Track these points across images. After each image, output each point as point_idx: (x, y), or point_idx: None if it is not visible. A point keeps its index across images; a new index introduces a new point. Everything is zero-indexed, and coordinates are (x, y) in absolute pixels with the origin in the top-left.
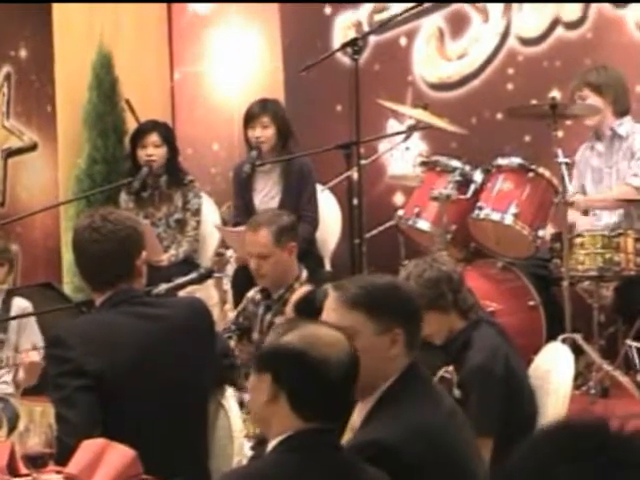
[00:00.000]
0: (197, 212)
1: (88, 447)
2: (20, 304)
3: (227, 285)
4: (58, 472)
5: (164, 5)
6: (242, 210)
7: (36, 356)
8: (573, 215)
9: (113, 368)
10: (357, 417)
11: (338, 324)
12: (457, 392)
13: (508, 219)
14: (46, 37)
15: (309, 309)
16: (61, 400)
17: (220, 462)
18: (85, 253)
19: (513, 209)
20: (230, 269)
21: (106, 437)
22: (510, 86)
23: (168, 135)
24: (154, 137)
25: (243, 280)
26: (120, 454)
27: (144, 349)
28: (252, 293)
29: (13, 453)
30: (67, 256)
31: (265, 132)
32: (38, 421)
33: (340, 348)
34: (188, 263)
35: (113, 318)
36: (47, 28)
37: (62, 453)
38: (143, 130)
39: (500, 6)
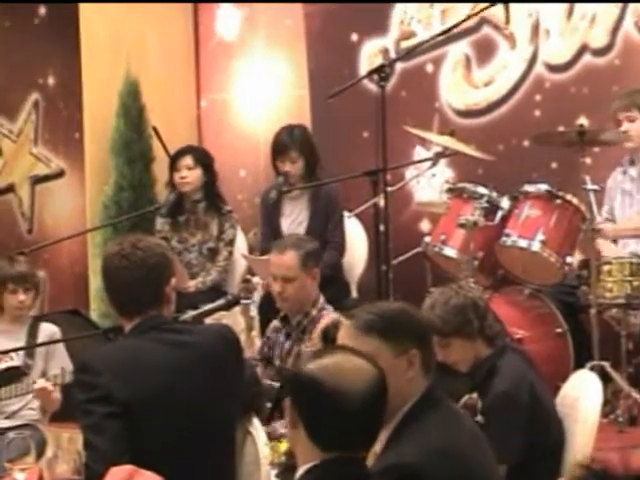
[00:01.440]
0: (231, 243)
1: (116, 474)
2: (47, 330)
3: (254, 312)
4: None
5: (191, 32)
6: (269, 236)
7: (45, 383)
8: (600, 242)
9: (141, 395)
10: (378, 442)
11: None
12: (480, 418)
13: (535, 246)
14: (74, 65)
15: (335, 337)
16: (89, 427)
17: None
18: (114, 280)
19: (540, 236)
20: (257, 296)
21: (133, 464)
22: (537, 113)
23: (203, 158)
24: (187, 160)
25: (270, 307)
26: None
27: (172, 376)
28: (275, 322)
29: (41, 479)
30: (94, 283)
31: (294, 167)
32: (66, 447)
33: (363, 379)
34: (215, 290)
35: (142, 345)
36: (75, 56)
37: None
38: (178, 153)
39: (527, 32)
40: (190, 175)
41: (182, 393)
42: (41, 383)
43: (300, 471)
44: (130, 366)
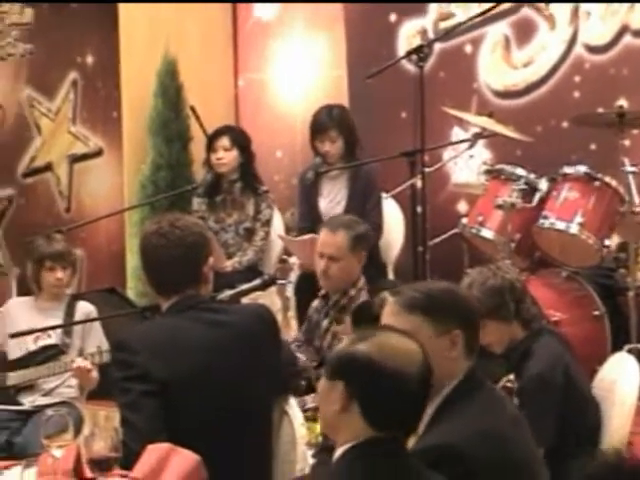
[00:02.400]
0: (267, 223)
1: (153, 452)
2: (84, 308)
3: (290, 292)
4: (123, 476)
5: (229, 12)
6: (307, 216)
7: (84, 362)
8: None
9: (178, 374)
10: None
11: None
12: (516, 400)
13: (574, 228)
14: (112, 43)
15: (366, 318)
16: (126, 404)
17: (283, 468)
18: (152, 258)
19: (579, 218)
20: (293, 276)
21: (170, 442)
22: (576, 94)
23: (240, 139)
24: (224, 141)
25: (306, 287)
26: (184, 459)
27: (209, 355)
28: (316, 303)
29: (79, 457)
30: (131, 261)
31: (333, 146)
32: (102, 425)
33: (414, 358)
34: (251, 270)
35: (179, 324)
36: (113, 34)
37: (127, 457)
38: (215, 134)
39: (567, 13)
40: (227, 156)
41: (219, 372)
42: (79, 362)
43: (343, 447)
44: (167, 345)
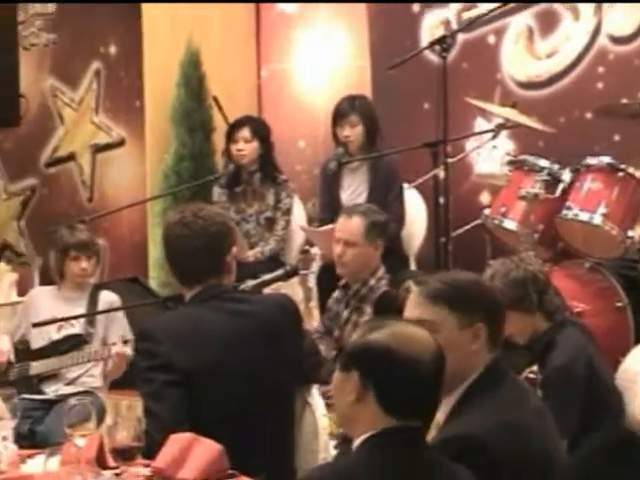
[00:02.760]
0: (288, 212)
1: (175, 441)
2: (108, 297)
3: (312, 282)
4: (146, 465)
5: (252, 2)
6: (328, 207)
7: (124, 348)
8: None
9: (201, 363)
10: (441, 413)
11: (420, 319)
12: (540, 392)
13: (597, 219)
14: (135, 33)
15: (388, 308)
16: (150, 394)
17: (305, 458)
18: (175, 248)
19: (602, 209)
20: (315, 266)
21: (193, 432)
22: (600, 85)
23: (260, 130)
24: (245, 132)
25: (328, 278)
26: (207, 449)
27: (232, 345)
28: (336, 293)
29: (102, 446)
30: (153, 251)
31: (353, 131)
32: (125, 415)
33: (428, 346)
34: (274, 260)
35: (202, 313)
36: (136, 25)
37: (150, 447)
38: (235, 125)
39: (591, 4)
40: (247, 148)
41: (241, 362)
42: (120, 348)
43: (362, 437)
44: (190, 334)
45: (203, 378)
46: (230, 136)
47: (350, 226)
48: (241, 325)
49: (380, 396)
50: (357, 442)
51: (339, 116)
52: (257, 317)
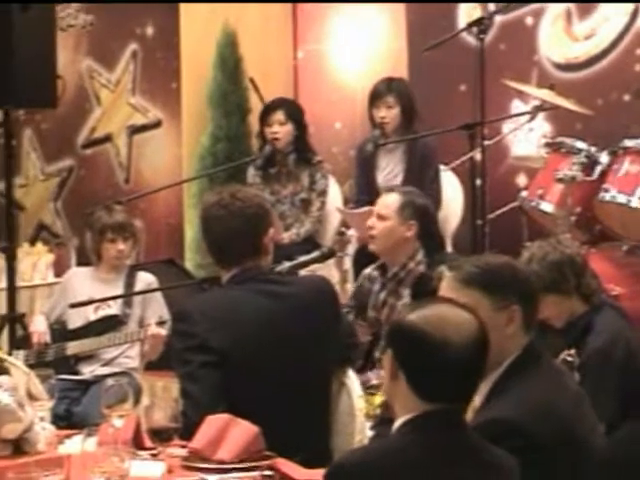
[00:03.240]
0: (323, 193)
1: (212, 422)
2: (145, 278)
3: (348, 265)
4: (183, 446)
5: None
6: (364, 188)
7: (160, 329)
8: None
9: (237, 344)
10: (477, 396)
11: None
12: (577, 375)
13: (635, 202)
14: (172, 15)
15: (425, 290)
16: (186, 375)
17: (341, 440)
18: (213, 230)
19: None
20: (351, 249)
21: (230, 413)
22: (638, 67)
23: (294, 112)
24: (279, 115)
25: (364, 260)
26: (243, 430)
27: (269, 326)
28: (369, 270)
29: (139, 427)
30: (189, 233)
31: (390, 112)
32: (160, 396)
33: (465, 330)
34: (310, 242)
35: (239, 295)
36: (173, 6)
37: (186, 428)
38: (269, 108)
39: None
40: (281, 130)
41: (278, 343)
42: (155, 329)
43: (399, 422)
44: (227, 316)
45: (239, 359)
46: (264, 119)
47: (386, 200)
48: (278, 306)
49: (409, 377)
50: (396, 424)
51: (376, 97)
52: (294, 299)
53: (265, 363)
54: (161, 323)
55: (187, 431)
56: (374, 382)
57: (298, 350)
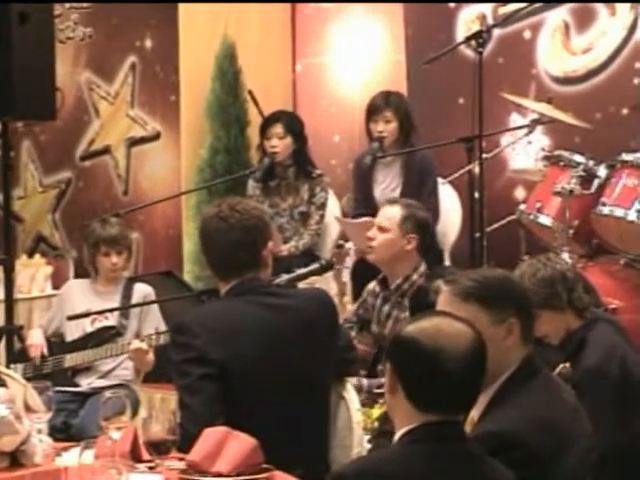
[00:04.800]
0: (322, 206)
1: (210, 435)
2: (142, 290)
3: (346, 277)
4: (180, 459)
5: None
6: (362, 202)
7: (141, 343)
8: None
9: (236, 357)
10: (475, 410)
11: None
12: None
13: (632, 215)
14: (171, 27)
15: (423, 302)
16: (185, 387)
17: (340, 453)
18: (212, 242)
19: (637, 205)
20: (349, 261)
21: (228, 426)
22: (636, 81)
23: (293, 126)
24: (278, 128)
25: (362, 272)
26: (241, 443)
27: (268, 339)
28: (372, 285)
29: (136, 439)
30: (188, 245)
31: (387, 126)
32: (158, 408)
33: (462, 341)
34: (308, 254)
35: (238, 307)
36: (172, 19)
37: (184, 440)
38: (268, 121)
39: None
40: (280, 144)
41: (277, 356)
42: (136, 344)
43: (398, 434)
44: (226, 328)
45: (238, 371)
46: (263, 132)
47: (388, 212)
48: (277, 319)
49: (405, 388)
50: (396, 436)
51: (373, 111)
52: (293, 311)
53: (264, 375)
54: (152, 336)
55: (185, 443)
56: (366, 388)
57: (297, 363)
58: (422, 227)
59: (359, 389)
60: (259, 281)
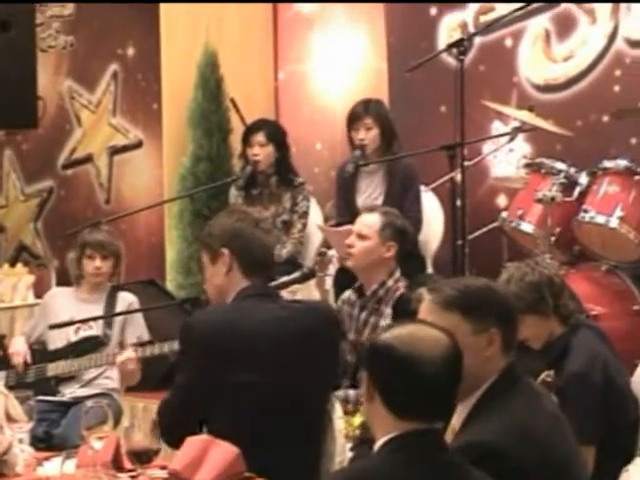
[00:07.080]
0: (304, 215)
1: (192, 444)
2: (126, 298)
3: (329, 285)
4: (162, 468)
5: (269, 4)
6: (344, 210)
7: (129, 353)
8: None
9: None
10: (456, 419)
11: None
12: (555, 398)
13: (613, 222)
14: (153, 36)
15: (406, 310)
16: (181, 386)
17: (322, 461)
18: (251, 240)
19: (619, 212)
20: (332, 269)
21: (229, 432)
22: (617, 88)
23: (275, 134)
24: (260, 137)
25: (345, 280)
26: (224, 451)
27: (270, 349)
28: (347, 294)
29: (118, 448)
30: (170, 253)
31: (368, 134)
32: (141, 416)
33: (437, 347)
34: (290, 262)
35: (246, 307)
36: (154, 27)
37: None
38: (250, 129)
39: (608, 7)
40: (262, 152)
41: (280, 365)
42: (127, 354)
43: (379, 443)
44: (228, 331)
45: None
46: (246, 140)
47: (367, 220)
48: (282, 330)
49: (383, 395)
50: (376, 446)
51: (353, 119)
52: (298, 323)
53: (264, 384)
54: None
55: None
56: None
57: (297, 374)
58: (401, 234)
59: (346, 400)
60: (270, 289)
